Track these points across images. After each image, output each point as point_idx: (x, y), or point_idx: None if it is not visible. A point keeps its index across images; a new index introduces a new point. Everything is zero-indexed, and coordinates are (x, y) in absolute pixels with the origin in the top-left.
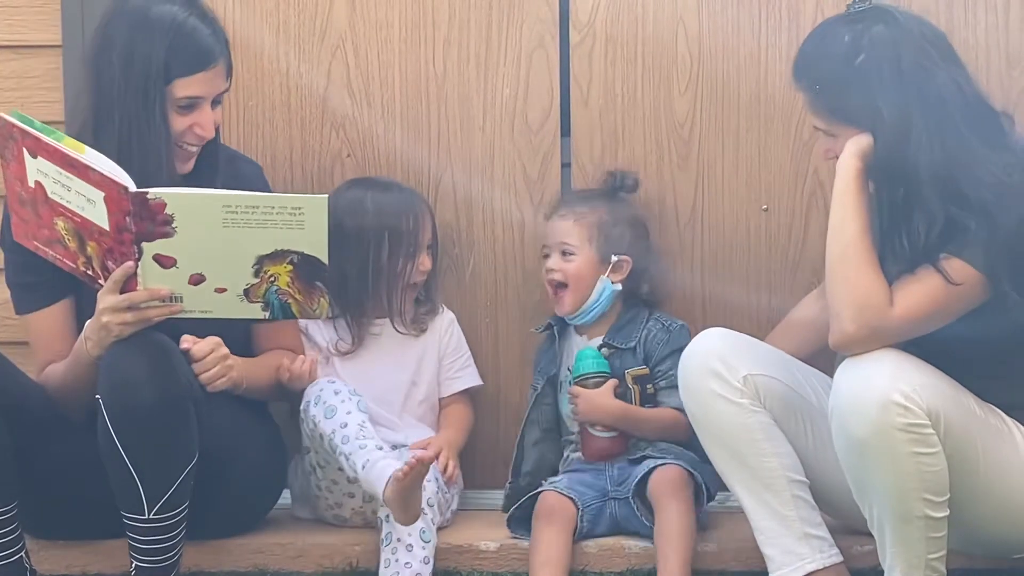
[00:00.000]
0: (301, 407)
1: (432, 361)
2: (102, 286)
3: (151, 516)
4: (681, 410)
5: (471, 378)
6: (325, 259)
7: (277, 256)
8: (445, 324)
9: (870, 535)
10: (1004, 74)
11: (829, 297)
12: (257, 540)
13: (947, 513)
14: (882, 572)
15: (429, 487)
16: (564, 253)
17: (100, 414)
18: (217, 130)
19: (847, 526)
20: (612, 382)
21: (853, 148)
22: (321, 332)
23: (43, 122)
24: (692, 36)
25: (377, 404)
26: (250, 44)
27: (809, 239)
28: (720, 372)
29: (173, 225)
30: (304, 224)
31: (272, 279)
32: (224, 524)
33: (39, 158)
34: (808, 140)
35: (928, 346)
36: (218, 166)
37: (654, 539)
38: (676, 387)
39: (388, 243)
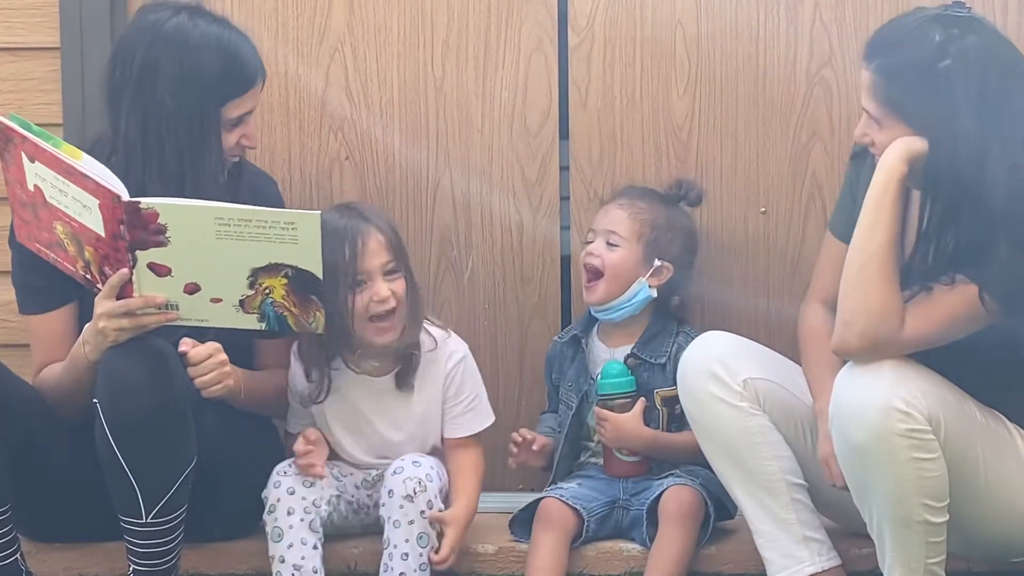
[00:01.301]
0: (265, 491)
1: (435, 416)
2: (100, 290)
3: (148, 520)
4: None
5: (477, 423)
6: (319, 273)
7: (271, 269)
8: (451, 365)
9: (869, 538)
10: None
11: (842, 301)
12: (256, 543)
13: (947, 518)
14: (880, 575)
15: (431, 487)
16: (609, 243)
17: (97, 419)
18: None
19: (846, 529)
20: (640, 404)
21: (903, 151)
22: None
23: (40, 125)
24: (690, 38)
25: (370, 455)
26: None
27: (807, 242)
28: (720, 375)
29: (167, 235)
30: (297, 239)
31: (267, 291)
32: (223, 527)
33: (37, 163)
34: (807, 142)
35: (928, 352)
36: (242, 176)
37: (649, 557)
38: None
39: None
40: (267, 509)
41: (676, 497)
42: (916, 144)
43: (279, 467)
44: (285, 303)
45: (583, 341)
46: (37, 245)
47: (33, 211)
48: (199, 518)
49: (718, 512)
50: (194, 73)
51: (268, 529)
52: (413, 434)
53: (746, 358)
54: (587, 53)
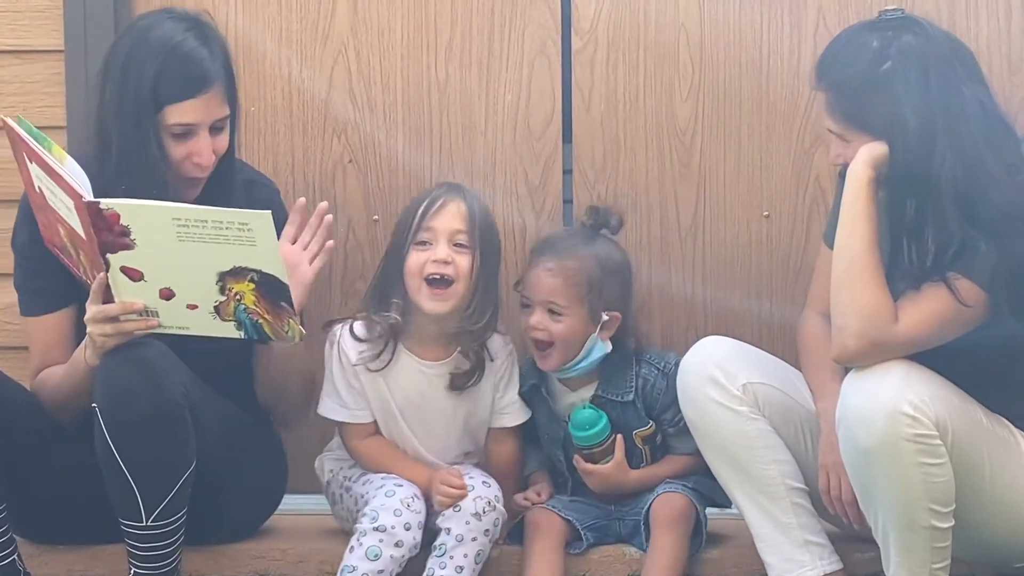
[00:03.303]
0: (369, 499)
1: (485, 407)
2: None
3: (149, 523)
4: (693, 453)
5: (523, 413)
6: (283, 278)
7: (237, 273)
8: (502, 357)
9: (870, 542)
10: (1006, 80)
11: (833, 308)
12: (257, 546)
13: (952, 523)
14: None
15: (500, 507)
16: (551, 311)
17: (97, 423)
18: (231, 153)
19: (846, 533)
20: (620, 448)
21: (865, 156)
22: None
23: (44, 127)
24: (694, 42)
25: (412, 443)
26: (252, 50)
27: (811, 246)
28: (719, 380)
29: (131, 237)
30: (255, 240)
31: (238, 297)
32: (225, 530)
33: (33, 163)
34: (810, 147)
35: (933, 356)
36: (232, 190)
37: (644, 566)
38: (687, 431)
39: (394, 231)
40: (375, 523)
41: (665, 504)
42: (877, 148)
43: (405, 494)
44: (257, 309)
45: (543, 389)
46: (55, 249)
47: (45, 214)
48: (200, 521)
49: (714, 505)
50: (134, 70)
51: (363, 541)
52: (459, 424)
53: (745, 362)
54: (590, 57)
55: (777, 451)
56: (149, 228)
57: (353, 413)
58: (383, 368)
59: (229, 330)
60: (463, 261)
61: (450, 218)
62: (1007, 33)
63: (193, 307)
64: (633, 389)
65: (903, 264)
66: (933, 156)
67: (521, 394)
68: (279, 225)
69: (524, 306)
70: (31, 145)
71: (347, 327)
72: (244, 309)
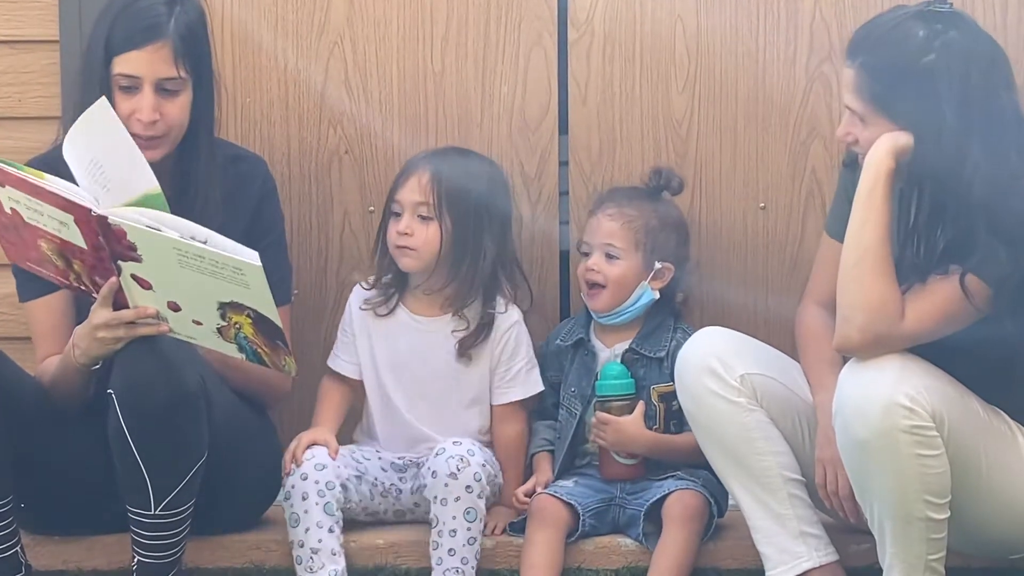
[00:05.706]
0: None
1: (481, 376)
2: (96, 299)
3: (157, 512)
4: None
5: (527, 388)
6: (277, 322)
7: (235, 306)
8: (503, 329)
9: (866, 534)
10: None
11: (840, 298)
12: (254, 537)
13: (948, 515)
14: (878, 571)
15: (474, 461)
16: (608, 255)
17: (112, 409)
18: (197, 128)
19: (842, 525)
20: (640, 407)
21: (888, 146)
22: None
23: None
24: (690, 34)
25: (408, 405)
26: (248, 40)
27: (806, 238)
28: (717, 371)
29: (137, 252)
30: (248, 284)
31: (238, 326)
32: (222, 521)
33: (7, 187)
34: (806, 139)
35: (930, 349)
36: (201, 165)
37: (652, 559)
38: None
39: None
40: (284, 498)
41: (681, 501)
42: (902, 139)
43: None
44: (256, 341)
45: (589, 344)
46: (28, 264)
47: (16, 232)
48: (199, 511)
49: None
50: (98, 29)
51: (288, 516)
52: (452, 391)
53: (743, 354)
54: (587, 48)
55: (774, 442)
56: (153, 250)
57: (336, 360)
58: (387, 314)
59: (231, 350)
60: (423, 230)
61: (410, 191)
62: (1003, 26)
63: (198, 323)
64: (666, 349)
65: (908, 258)
66: (965, 159)
67: (564, 348)
68: (268, 194)
69: (584, 254)
70: (4, 169)
71: (359, 285)
72: (244, 337)
